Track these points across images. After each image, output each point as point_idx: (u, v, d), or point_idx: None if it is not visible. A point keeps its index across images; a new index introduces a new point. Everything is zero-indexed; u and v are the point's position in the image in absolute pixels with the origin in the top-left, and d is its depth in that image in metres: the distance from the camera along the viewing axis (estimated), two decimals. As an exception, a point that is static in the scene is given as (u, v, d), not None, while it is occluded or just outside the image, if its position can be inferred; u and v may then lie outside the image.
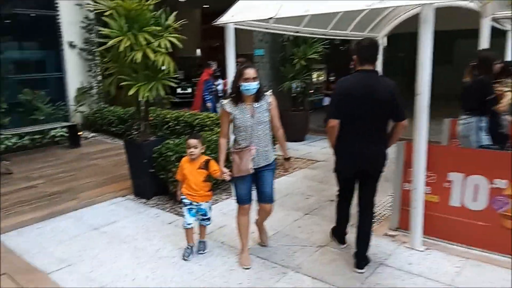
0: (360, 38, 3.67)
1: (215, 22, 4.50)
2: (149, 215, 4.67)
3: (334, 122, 3.15)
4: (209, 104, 8.56)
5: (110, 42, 4.40)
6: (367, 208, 3.35)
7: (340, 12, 5.07)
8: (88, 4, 8.04)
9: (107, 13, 4.49)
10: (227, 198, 5.07)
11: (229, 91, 3.50)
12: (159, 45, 4.58)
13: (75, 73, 9.50)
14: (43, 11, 8.97)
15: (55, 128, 8.49)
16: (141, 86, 4.65)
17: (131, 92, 4.61)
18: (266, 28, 5.30)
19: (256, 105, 3.25)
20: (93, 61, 9.65)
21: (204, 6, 15.77)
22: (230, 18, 4.35)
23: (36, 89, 8.57)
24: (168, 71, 4.75)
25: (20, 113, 8.34)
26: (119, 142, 8.57)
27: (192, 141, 3.46)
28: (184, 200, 3.57)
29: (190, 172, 3.51)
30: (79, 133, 8.46)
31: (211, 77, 8.70)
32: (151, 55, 4.49)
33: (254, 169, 3.28)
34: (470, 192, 3.54)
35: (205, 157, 3.55)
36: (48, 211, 4.80)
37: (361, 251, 3.35)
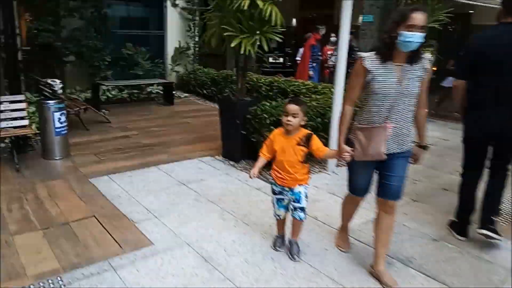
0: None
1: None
2: (238, 178, 4.40)
3: (457, 82, 2.94)
4: (311, 73, 8.02)
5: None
6: (499, 172, 3.03)
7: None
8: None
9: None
10: (320, 171, 4.62)
11: (331, 61, 2.86)
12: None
13: (174, 32, 9.59)
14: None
15: (152, 85, 8.68)
16: (244, 39, 4.31)
17: (233, 44, 4.30)
18: None
19: (407, 67, 2.34)
20: (193, 21, 9.64)
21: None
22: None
23: (138, 45, 8.79)
24: (275, 24, 4.32)
25: (122, 67, 8.64)
26: (210, 104, 8.52)
27: (292, 107, 2.59)
28: (273, 187, 2.82)
29: (285, 148, 2.66)
30: (173, 92, 8.55)
31: (317, 43, 8.11)
32: (260, 3, 4.09)
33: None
34: None
35: (306, 131, 2.69)
36: (140, 161, 4.79)
37: (487, 216, 3.00)
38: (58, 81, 4.80)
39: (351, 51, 7.80)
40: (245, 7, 4.08)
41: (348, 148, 2.47)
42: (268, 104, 4.58)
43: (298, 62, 9.00)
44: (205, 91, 9.03)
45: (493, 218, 3.03)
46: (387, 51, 2.32)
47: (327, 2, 12.99)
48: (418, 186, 4.27)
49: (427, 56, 2.42)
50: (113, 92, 8.32)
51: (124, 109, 7.73)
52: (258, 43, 4.36)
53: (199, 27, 9.65)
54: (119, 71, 8.60)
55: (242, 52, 4.42)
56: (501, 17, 2.83)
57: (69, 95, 7.18)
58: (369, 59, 2.37)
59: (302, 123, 2.67)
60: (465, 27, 10.56)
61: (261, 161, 2.81)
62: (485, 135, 2.95)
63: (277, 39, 4.49)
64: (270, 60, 13.73)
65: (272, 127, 4.29)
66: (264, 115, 4.40)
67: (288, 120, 2.59)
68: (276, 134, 2.76)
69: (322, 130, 4.65)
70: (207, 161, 4.92)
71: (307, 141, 2.64)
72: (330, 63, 8.45)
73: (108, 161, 4.75)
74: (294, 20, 17.12)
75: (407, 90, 2.35)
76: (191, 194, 3.91)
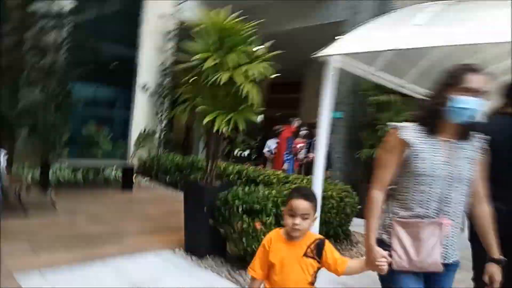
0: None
1: (315, 54, 3.81)
2: (202, 279, 3.67)
3: None
4: (286, 165, 7.79)
5: (195, 57, 3.84)
6: None
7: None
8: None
9: (196, 29, 3.98)
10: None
11: (300, 154, 2.31)
12: (246, 72, 3.93)
13: (141, 116, 9.27)
14: (124, 49, 9.03)
15: (110, 168, 8.03)
16: (218, 115, 3.95)
17: (206, 120, 3.91)
18: (372, 74, 4.54)
19: (458, 143, 1.86)
20: (162, 106, 9.43)
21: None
22: (338, 49, 3.64)
23: (101, 125, 8.32)
24: (252, 104, 4.02)
25: (80, 146, 8.01)
26: (173, 192, 7.88)
27: (302, 205, 1.81)
28: None
29: (286, 262, 1.85)
30: (133, 176, 7.90)
31: (292, 135, 8.02)
32: (239, 79, 3.83)
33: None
34: None
35: (316, 235, 1.93)
36: (84, 253, 3.97)
37: None
38: (3, 151, 4.15)
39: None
40: (223, 81, 3.80)
41: (383, 252, 1.79)
42: (241, 189, 4.08)
43: (267, 155, 8.85)
44: (168, 178, 8.45)
45: None
46: (432, 121, 1.83)
47: (292, 102, 13.50)
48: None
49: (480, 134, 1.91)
50: (65, 173, 7.55)
51: (76, 192, 6.91)
52: (233, 122, 4.01)
53: (167, 112, 9.42)
54: (77, 151, 7.94)
55: (215, 129, 4.02)
56: (504, 108, 2.60)
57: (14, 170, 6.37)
58: (408, 129, 1.85)
59: (312, 225, 1.88)
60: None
61: (256, 284, 1.93)
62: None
63: (255, 120, 4.18)
64: (236, 152, 13.60)
65: (245, 217, 3.75)
66: (236, 202, 3.87)
67: (295, 224, 1.79)
68: (274, 239, 1.90)
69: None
70: (166, 256, 4.17)
71: (319, 250, 1.85)
72: (300, 156, 8.26)
73: (43, 252, 3.89)
74: (260, 117, 17.59)
75: (460, 173, 1.82)
76: (142, 299, 3.13)
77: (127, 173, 7.82)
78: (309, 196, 1.87)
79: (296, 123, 8.08)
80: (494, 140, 2.15)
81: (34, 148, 7.15)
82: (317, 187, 3.88)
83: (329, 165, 6.86)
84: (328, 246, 1.90)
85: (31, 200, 5.54)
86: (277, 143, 8.34)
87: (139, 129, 9.17)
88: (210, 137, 4.35)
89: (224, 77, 3.85)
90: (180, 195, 4.87)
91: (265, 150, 8.91)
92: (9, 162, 4.44)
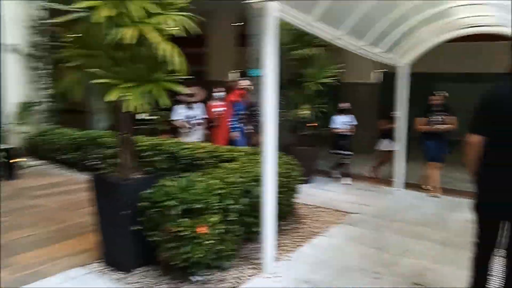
0: None
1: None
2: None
3: (475, 139, 2.44)
4: (236, 134, 6.49)
5: (77, 6, 2.68)
6: None
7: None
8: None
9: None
10: (253, 275, 3.30)
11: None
12: (159, 25, 2.87)
13: (15, 84, 7.39)
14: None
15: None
16: (128, 89, 2.88)
17: (111, 97, 2.82)
18: (310, 25, 3.87)
19: None
20: (42, 70, 7.62)
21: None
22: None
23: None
24: (175, 69, 3.00)
25: None
26: (71, 175, 6.50)
27: None
28: None
29: None
30: (13, 160, 6.28)
31: (242, 98, 6.61)
32: (152, 37, 2.78)
33: None
34: None
35: None
36: None
37: None
38: None
39: (252, 107, 6.87)
40: (129, 41, 2.71)
41: None
42: (173, 183, 3.14)
43: (180, 124, 7.20)
44: (63, 157, 6.96)
45: None
46: None
47: (196, 58, 12.33)
48: (383, 283, 3.26)
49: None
50: None
51: None
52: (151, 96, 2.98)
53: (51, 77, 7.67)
54: None
55: (125, 109, 2.96)
56: None
57: None
58: None
59: None
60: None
61: None
62: (497, 209, 2.45)
63: (181, 90, 3.18)
64: (143, 116, 12.10)
65: (185, 219, 2.87)
66: (169, 202, 2.94)
67: None
68: None
69: (249, 213, 3.41)
70: (79, 277, 3.13)
71: None
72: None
73: None
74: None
75: None
76: None
77: (7, 157, 6.19)
78: None
79: (245, 83, 6.71)
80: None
81: None
82: (270, 165, 3.17)
83: (256, 130, 6.13)
84: None
85: None
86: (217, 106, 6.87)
87: (17, 101, 7.33)
88: (119, 117, 3.25)
89: (129, 34, 2.74)
90: (80, 179, 3.73)
91: (176, 117, 7.15)
92: None
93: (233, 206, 3.15)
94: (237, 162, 4.04)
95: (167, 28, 2.96)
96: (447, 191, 5.99)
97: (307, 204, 5.25)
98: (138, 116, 10.87)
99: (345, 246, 3.97)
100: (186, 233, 2.83)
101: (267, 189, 3.19)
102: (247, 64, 7.67)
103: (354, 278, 3.27)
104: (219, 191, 3.06)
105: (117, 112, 3.19)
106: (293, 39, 6.61)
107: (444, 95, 6.02)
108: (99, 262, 3.35)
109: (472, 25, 5.73)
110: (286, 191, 4.05)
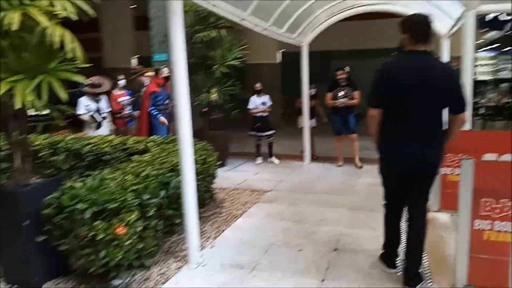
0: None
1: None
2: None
3: (374, 112, 2.64)
4: (162, 119, 5.99)
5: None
6: (418, 218, 2.73)
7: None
8: None
9: None
10: (179, 269, 3.20)
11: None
12: (49, 8, 2.54)
13: None
14: None
15: None
16: (17, 82, 2.52)
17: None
18: (213, 6, 3.75)
19: None
20: None
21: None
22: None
23: None
24: (71, 57, 2.68)
25: None
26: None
27: None
28: None
29: None
30: None
31: (162, 89, 6.05)
32: (42, 19, 2.44)
33: None
34: None
35: None
36: None
37: (411, 268, 2.75)
38: None
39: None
40: (14, 27, 2.35)
41: None
42: (81, 184, 2.86)
43: (87, 118, 6.43)
44: None
45: (420, 274, 2.79)
46: None
47: (91, 44, 11.38)
48: (307, 253, 3.38)
49: None
50: None
51: None
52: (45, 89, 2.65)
53: None
54: None
55: (17, 106, 2.59)
56: (408, 45, 2.60)
57: None
58: None
59: None
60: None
61: None
62: (398, 172, 2.73)
63: (81, 80, 2.86)
64: (38, 112, 10.82)
65: (99, 222, 2.65)
66: (79, 205, 2.67)
67: None
68: None
69: (168, 206, 3.28)
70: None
71: None
72: (125, 112, 6.68)
73: None
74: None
75: None
76: None
77: None
78: None
79: (165, 71, 6.15)
80: (401, 72, 2.52)
81: None
82: (187, 153, 3.06)
83: (170, 118, 5.88)
84: None
85: None
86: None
87: None
88: (9, 116, 2.84)
89: (12, 18, 2.38)
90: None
91: (82, 111, 6.38)
92: None
93: (151, 201, 2.98)
94: (149, 154, 3.83)
95: (57, 12, 2.62)
96: (351, 160, 6.43)
97: (224, 188, 5.25)
98: (32, 112, 9.74)
99: (266, 224, 4.06)
100: (102, 236, 2.60)
101: (186, 178, 3.07)
102: (150, 49, 7.25)
103: (279, 253, 3.37)
104: (135, 187, 2.87)
105: (6, 111, 2.78)
106: (197, 21, 6.43)
107: (347, 70, 6.29)
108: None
109: (362, 5, 6.15)
110: (204, 178, 3.98)
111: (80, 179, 2.98)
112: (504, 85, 10.20)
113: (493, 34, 9.66)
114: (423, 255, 2.86)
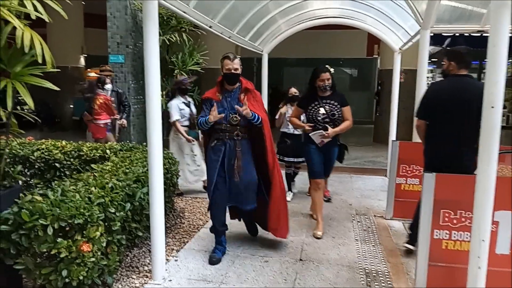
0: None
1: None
2: None
3: (419, 122, 3.34)
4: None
5: None
6: None
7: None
8: None
9: None
10: (144, 284, 3.09)
11: None
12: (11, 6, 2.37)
13: None
14: None
15: None
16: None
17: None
18: (185, 12, 3.72)
19: None
20: None
21: None
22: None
23: None
24: (40, 61, 2.52)
25: None
26: None
27: None
28: None
29: None
30: None
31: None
32: (12, 20, 2.28)
33: None
34: None
35: None
36: None
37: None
38: None
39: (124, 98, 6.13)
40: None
41: None
42: (42, 197, 2.67)
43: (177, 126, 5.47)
44: None
45: None
46: None
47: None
48: (273, 264, 3.42)
49: None
50: None
51: None
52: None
53: None
54: None
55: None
56: (452, 70, 3.17)
57: None
58: None
59: None
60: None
61: None
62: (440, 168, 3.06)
63: (49, 85, 2.68)
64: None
65: (61, 239, 2.50)
66: (41, 221, 2.49)
67: None
68: None
69: (131, 218, 3.17)
70: None
71: None
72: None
73: None
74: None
75: None
76: None
77: None
78: None
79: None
80: (446, 92, 3.15)
81: None
82: (156, 163, 2.97)
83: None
84: None
85: None
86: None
87: None
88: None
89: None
90: None
91: (176, 117, 5.44)
92: None
93: (117, 214, 2.86)
94: (110, 163, 3.66)
95: (28, 12, 2.47)
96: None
97: (182, 197, 5.16)
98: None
99: (228, 234, 4.01)
100: (65, 254, 2.46)
101: (155, 189, 2.97)
102: (107, 48, 6.93)
103: (245, 265, 3.37)
104: (101, 200, 2.74)
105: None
106: (159, 24, 6.29)
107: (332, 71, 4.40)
108: None
109: (320, 17, 6.35)
110: (167, 188, 3.88)
111: (39, 192, 2.77)
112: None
113: (433, 48, 10.42)
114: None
